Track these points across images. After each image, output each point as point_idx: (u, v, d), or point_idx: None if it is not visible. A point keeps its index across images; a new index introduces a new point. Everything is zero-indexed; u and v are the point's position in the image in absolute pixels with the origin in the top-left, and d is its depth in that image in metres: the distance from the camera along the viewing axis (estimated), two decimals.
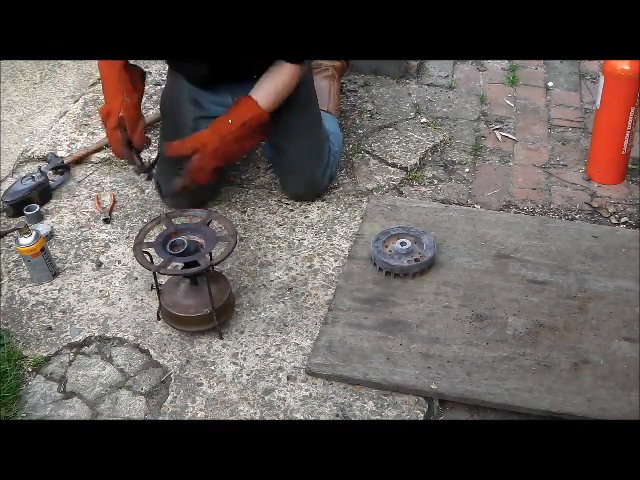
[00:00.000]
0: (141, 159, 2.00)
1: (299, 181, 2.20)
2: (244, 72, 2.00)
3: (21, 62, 3.04)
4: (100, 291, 1.96)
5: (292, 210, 2.22)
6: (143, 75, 2.02)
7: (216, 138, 1.92)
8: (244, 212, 2.23)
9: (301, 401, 1.67)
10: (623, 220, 2.19)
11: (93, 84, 2.86)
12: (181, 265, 1.79)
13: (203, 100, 2.10)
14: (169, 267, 1.74)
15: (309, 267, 2.02)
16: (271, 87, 1.98)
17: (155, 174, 2.22)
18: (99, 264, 2.04)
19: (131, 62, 1.95)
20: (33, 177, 2.25)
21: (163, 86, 2.75)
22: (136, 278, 1.99)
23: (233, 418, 1.64)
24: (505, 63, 2.99)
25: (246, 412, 1.65)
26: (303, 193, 2.23)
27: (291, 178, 2.22)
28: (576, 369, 1.70)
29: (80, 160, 2.43)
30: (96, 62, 2.98)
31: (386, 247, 1.99)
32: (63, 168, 2.38)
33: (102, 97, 2.75)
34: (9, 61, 3.02)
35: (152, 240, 1.80)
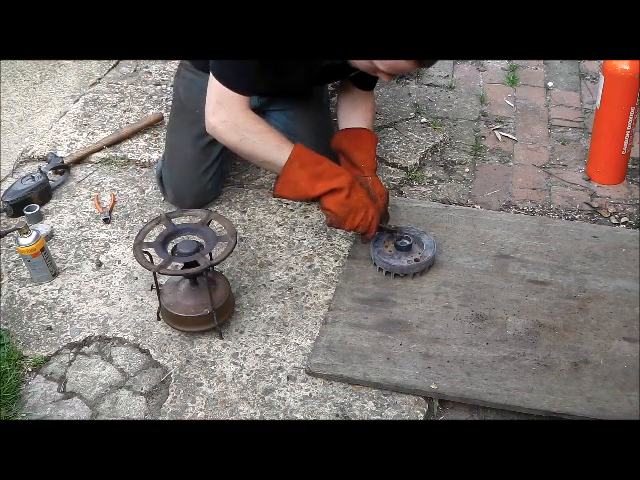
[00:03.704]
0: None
1: None
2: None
3: (21, 62, 3.04)
4: (100, 291, 1.96)
5: (292, 210, 2.22)
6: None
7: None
8: (244, 212, 2.23)
9: (301, 401, 1.67)
10: (623, 220, 2.20)
11: (93, 84, 2.87)
12: (181, 265, 1.79)
13: None
14: (169, 267, 1.74)
15: (309, 267, 2.02)
16: (369, 117, 2.12)
17: (159, 169, 2.23)
18: (99, 264, 2.04)
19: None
20: (33, 177, 2.25)
21: (163, 86, 2.77)
22: (136, 278, 1.99)
23: (233, 418, 1.64)
24: (505, 63, 3.00)
25: (246, 412, 1.65)
26: None
27: None
28: (576, 369, 1.70)
29: (80, 160, 2.43)
30: (95, 62, 3.00)
31: (386, 247, 1.99)
32: (63, 168, 2.38)
33: (102, 97, 2.78)
34: (9, 61, 3.02)
35: (152, 240, 1.80)
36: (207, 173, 2.16)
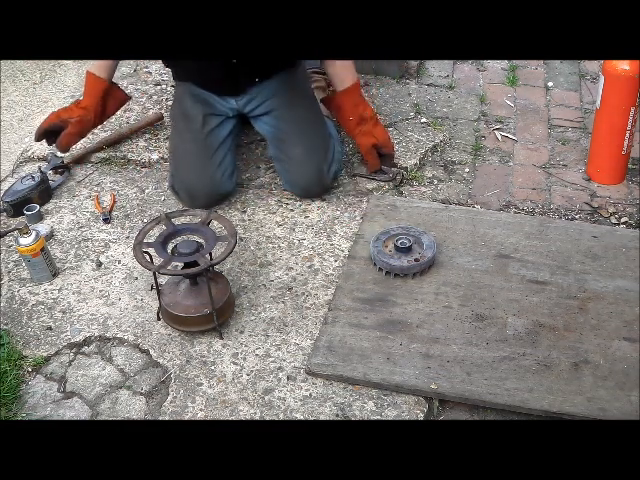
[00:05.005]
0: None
1: (308, 174, 2.20)
2: (248, 75, 2.15)
3: (21, 62, 3.04)
4: (100, 291, 1.96)
5: (292, 210, 2.23)
6: (123, 101, 2.33)
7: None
8: (244, 212, 2.23)
9: (301, 401, 1.67)
10: (623, 220, 2.19)
11: None
12: (181, 265, 1.79)
13: (211, 99, 2.20)
14: (169, 267, 1.74)
15: (309, 267, 2.02)
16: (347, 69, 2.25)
17: (170, 182, 2.25)
18: (99, 264, 2.04)
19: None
20: (33, 177, 2.25)
21: (163, 86, 2.77)
22: (136, 278, 1.99)
23: (233, 418, 1.64)
24: (505, 63, 2.99)
25: (246, 412, 1.65)
26: (311, 186, 2.23)
27: (299, 171, 2.20)
28: (576, 369, 1.70)
29: (80, 160, 2.43)
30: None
31: (386, 247, 1.99)
32: (63, 168, 2.38)
33: None
34: (9, 61, 3.02)
35: (152, 240, 1.81)
36: (214, 161, 2.17)
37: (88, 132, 2.27)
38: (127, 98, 2.34)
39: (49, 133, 2.19)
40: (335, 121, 2.38)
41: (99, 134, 2.54)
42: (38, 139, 2.22)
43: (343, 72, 2.21)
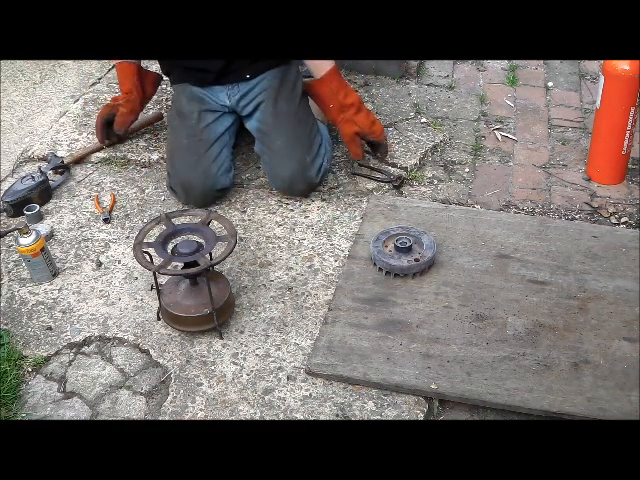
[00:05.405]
0: (106, 137, 2.44)
1: (289, 165, 2.17)
2: (241, 73, 2.21)
3: (21, 62, 3.04)
4: (100, 291, 1.96)
5: (292, 210, 2.23)
6: (157, 80, 2.48)
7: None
8: (244, 212, 2.23)
9: (301, 401, 1.67)
10: (623, 220, 2.19)
11: (93, 84, 2.87)
12: (181, 265, 1.79)
13: (206, 97, 2.24)
14: (169, 267, 1.74)
15: (309, 267, 2.02)
16: None
17: (168, 181, 2.26)
18: (99, 264, 2.04)
19: (147, 67, 2.24)
20: (33, 177, 2.25)
21: (163, 86, 2.77)
22: (136, 278, 1.99)
23: (233, 418, 1.64)
24: (505, 63, 2.99)
25: (246, 412, 1.65)
26: (294, 179, 2.18)
27: (280, 163, 2.18)
28: (576, 369, 1.70)
29: (80, 160, 2.43)
30: (95, 62, 3.04)
31: (386, 247, 1.99)
32: (63, 168, 2.38)
33: (102, 97, 2.79)
34: (9, 61, 3.02)
35: (152, 240, 1.81)
36: (209, 155, 2.17)
37: (138, 110, 2.41)
38: (160, 76, 2.48)
39: (106, 125, 2.38)
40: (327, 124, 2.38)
41: None
42: (102, 138, 2.41)
43: (319, 60, 2.19)
